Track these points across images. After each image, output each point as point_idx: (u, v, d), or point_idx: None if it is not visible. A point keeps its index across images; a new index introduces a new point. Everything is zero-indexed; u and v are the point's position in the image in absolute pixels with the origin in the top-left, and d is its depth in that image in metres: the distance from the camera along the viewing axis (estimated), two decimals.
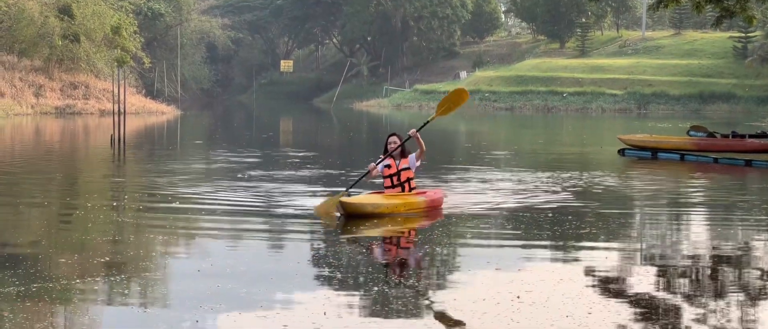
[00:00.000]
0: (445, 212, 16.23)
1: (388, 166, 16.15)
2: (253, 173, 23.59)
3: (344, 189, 16.07)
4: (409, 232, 14.19)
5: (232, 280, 10.37)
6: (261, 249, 12.91)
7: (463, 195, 19.00)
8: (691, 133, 31.51)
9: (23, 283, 9.90)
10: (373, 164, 16.20)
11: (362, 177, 16.35)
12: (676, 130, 46.41)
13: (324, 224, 14.72)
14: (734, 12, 28.07)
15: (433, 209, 16.14)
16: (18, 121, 58.86)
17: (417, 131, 16.10)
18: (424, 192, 16.48)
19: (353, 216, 15.03)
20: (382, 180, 16.41)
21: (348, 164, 27.00)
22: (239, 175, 23.20)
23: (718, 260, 12.27)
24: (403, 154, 16.21)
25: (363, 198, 15.69)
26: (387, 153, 16.15)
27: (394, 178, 16.15)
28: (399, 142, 16.13)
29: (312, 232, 14.16)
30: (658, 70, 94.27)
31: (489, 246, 13.11)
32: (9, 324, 8.37)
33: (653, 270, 11.44)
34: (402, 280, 10.52)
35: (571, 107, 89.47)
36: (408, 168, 16.15)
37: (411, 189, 16.19)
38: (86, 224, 14.94)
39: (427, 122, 16.76)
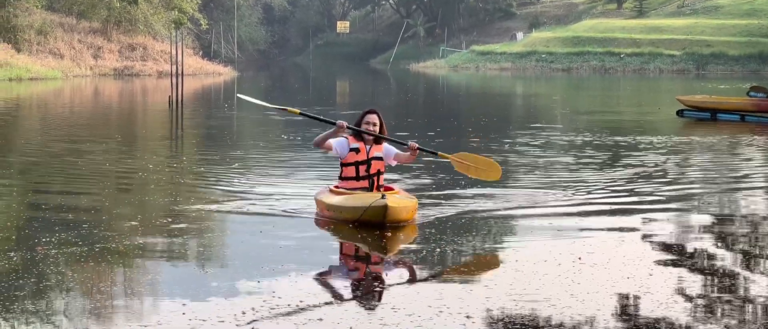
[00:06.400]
0: (503, 176, 16.18)
1: (356, 150, 11.87)
2: (309, 135, 23.66)
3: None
4: (467, 195, 14.08)
5: (294, 241, 10.43)
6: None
7: (519, 157, 18.92)
8: (751, 93, 31.15)
9: (86, 244, 10.00)
10: (343, 122, 11.85)
11: (327, 123, 12.32)
12: (736, 90, 45.90)
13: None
14: None
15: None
16: (77, 83, 59.38)
17: (418, 147, 12.06)
18: (399, 191, 12.02)
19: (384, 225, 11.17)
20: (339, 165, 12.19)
21: (404, 126, 26.94)
22: (283, 136, 23.28)
23: None
24: (378, 140, 12.01)
25: (400, 200, 11.37)
26: (357, 134, 11.95)
27: (362, 168, 11.88)
28: (378, 123, 11.97)
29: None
30: (717, 30, 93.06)
31: (549, 208, 13.00)
32: (73, 284, 8.46)
33: (714, 233, 11.35)
34: (463, 243, 10.50)
35: (628, 68, 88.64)
36: (380, 158, 11.96)
37: (379, 186, 11.96)
38: (147, 185, 15.06)
39: (436, 153, 12.66)
